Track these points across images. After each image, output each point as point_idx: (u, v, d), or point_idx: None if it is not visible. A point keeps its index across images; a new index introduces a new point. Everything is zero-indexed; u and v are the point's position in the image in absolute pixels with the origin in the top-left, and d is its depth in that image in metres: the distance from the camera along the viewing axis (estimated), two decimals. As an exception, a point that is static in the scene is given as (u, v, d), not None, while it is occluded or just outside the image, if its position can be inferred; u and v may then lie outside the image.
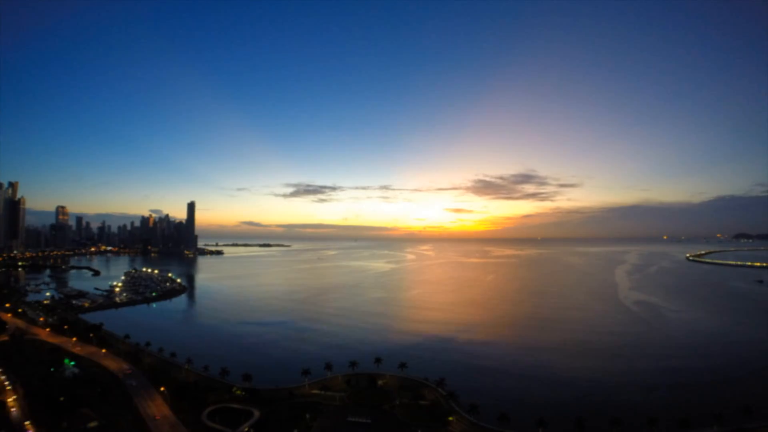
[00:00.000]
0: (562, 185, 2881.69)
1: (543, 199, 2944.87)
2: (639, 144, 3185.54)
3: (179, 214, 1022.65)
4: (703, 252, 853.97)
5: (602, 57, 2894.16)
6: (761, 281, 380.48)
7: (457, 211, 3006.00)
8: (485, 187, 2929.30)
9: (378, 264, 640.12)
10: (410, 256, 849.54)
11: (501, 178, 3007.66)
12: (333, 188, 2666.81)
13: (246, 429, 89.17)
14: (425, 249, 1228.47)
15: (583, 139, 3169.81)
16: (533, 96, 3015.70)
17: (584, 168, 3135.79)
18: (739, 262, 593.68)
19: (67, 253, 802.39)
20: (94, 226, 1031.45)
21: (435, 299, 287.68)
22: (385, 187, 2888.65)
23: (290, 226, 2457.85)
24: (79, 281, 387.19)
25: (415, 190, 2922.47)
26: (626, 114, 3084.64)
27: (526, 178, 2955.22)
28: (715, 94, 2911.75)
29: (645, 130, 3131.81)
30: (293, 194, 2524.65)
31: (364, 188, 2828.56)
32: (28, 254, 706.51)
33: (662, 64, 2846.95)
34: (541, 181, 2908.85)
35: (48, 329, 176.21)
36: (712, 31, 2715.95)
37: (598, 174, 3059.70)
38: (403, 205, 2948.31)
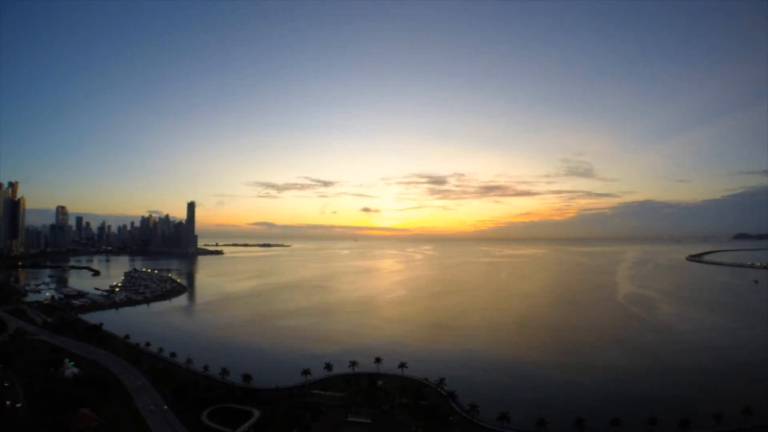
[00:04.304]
0: (564, 179, 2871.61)
1: (541, 198, 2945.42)
2: (639, 141, 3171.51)
3: (179, 214, 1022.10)
4: (701, 252, 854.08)
5: (601, 54, 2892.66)
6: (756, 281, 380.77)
7: (448, 209, 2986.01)
8: (480, 186, 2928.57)
9: (389, 264, 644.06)
10: (417, 256, 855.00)
11: (497, 177, 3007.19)
12: (326, 185, 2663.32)
13: (246, 429, 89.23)
14: (427, 249, 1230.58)
15: (585, 136, 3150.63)
16: (525, 94, 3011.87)
17: (586, 165, 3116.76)
18: (738, 263, 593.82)
19: (67, 252, 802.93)
20: (94, 226, 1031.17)
21: (443, 298, 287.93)
22: (376, 185, 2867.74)
23: (286, 227, 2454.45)
24: (79, 281, 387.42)
25: (404, 183, 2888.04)
26: (629, 111, 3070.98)
27: (520, 177, 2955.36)
28: (721, 92, 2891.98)
29: (645, 127, 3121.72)
30: (281, 191, 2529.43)
31: (358, 185, 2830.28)
32: (28, 254, 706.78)
33: (665, 62, 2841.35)
34: (539, 179, 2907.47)
35: (48, 329, 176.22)
36: (710, 30, 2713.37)
37: (600, 172, 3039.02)
38: (395, 203, 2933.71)
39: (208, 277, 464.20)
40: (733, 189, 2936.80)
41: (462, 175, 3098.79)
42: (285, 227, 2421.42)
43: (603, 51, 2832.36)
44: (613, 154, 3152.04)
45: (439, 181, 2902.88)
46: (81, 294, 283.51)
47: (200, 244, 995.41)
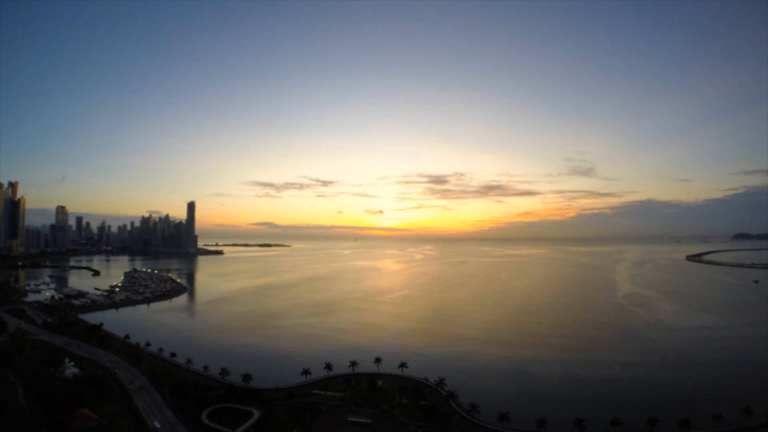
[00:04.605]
0: (566, 179, 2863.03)
1: (542, 197, 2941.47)
2: (641, 140, 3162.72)
3: (179, 214, 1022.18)
4: (701, 252, 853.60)
5: (602, 54, 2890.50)
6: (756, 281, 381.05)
7: (448, 209, 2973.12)
8: (481, 186, 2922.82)
9: (390, 263, 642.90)
10: (418, 256, 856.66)
11: (498, 176, 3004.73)
12: (325, 184, 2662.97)
13: (246, 429, 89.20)
14: (427, 249, 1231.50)
15: (587, 135, 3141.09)
16: (526, 94, 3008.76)
17: (588, 165, 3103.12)
18: (738, 263, 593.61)
19: (68, 252, 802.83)
20: (94, 226, 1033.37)
21: (443, 298, 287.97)
22: (375, 185, 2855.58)
23: (287, 227, 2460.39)
24: (79, 281, 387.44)
25: (404, 183, 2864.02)
26: (631, 110, 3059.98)
27: (522, 177, 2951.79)
28: (721, 92, 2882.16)
29: (647, 126, 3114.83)
30: (279, 191, 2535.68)
31: (357, 185, 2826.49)
32: (28, 254, 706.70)
33: (665, 62, 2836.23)
34: (542, 179, 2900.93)
35: (48, 329, 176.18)
36: (710, 30, 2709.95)
37: (602, 171, 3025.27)
38: (395, 203, 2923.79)
39: (208, 277, 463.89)
40: (734, 188, 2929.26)
41: (462, 174, 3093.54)
42: (285, 227, 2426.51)
43: (604, 51, 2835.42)
44: (615, 153, 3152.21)
45: (439, 180, 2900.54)
46: (81, 294, 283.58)
47: (200, 244, 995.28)
